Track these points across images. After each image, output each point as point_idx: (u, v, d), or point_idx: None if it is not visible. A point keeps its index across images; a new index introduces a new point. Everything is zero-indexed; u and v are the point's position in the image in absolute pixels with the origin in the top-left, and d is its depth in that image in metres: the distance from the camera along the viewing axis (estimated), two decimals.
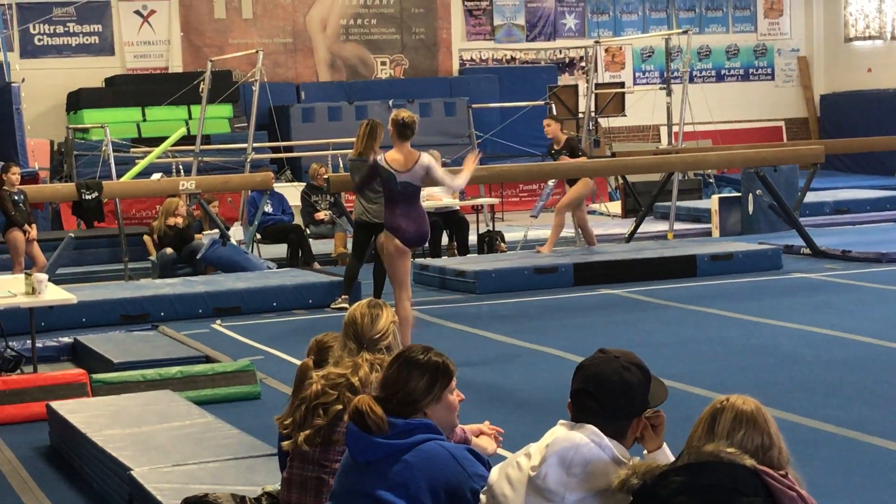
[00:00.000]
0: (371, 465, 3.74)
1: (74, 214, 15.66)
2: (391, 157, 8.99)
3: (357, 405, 3.76)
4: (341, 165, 17.35)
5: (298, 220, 15.55)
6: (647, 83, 24.29)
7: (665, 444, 3.54)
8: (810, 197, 16.65)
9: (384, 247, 9.11)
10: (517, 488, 3.43)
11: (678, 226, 16.68)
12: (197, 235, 14.47)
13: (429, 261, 13.68)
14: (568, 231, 16.34)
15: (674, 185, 16.48)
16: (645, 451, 3.53)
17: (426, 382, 3.78)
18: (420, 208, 9.11)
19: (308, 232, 15.14)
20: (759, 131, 24.96)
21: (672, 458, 3.45)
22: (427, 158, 9.05)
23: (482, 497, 3.59)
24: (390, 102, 21.45)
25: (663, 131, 21.41)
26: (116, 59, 21.81)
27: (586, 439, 3.38)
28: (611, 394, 3.43)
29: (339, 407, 4.26)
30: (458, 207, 15.39)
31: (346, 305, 11.39)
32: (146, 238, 14.39)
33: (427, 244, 15.27)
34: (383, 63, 23.44)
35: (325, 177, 14.67)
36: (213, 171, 17.62)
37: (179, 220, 14.10)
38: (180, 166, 17.67)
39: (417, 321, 9.56)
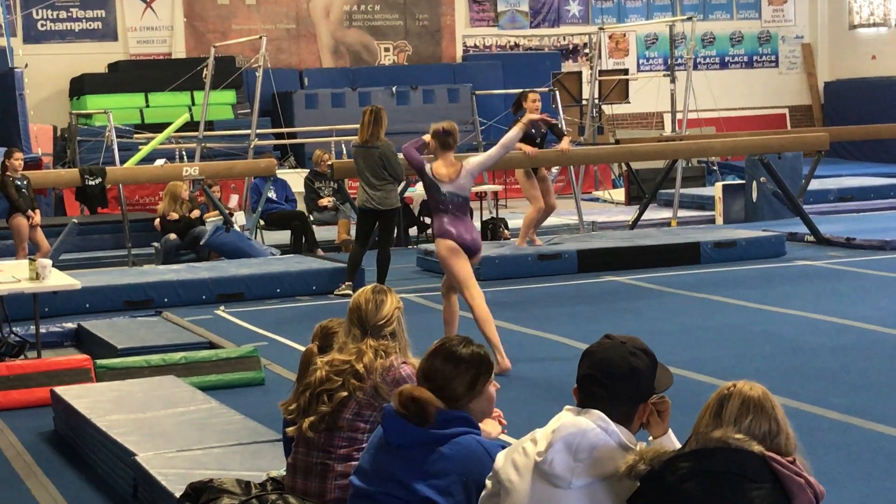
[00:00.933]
0: (403, 450, 3.76)
1: (78, 200, 15.65)
2: (436, 168, 8.40)
3: (413, 393, 3.77)
4: (345, 152, 17.33)
5: (302, 206, 15.55)
6: (651, 70, 24.26)
7: (670, 430, 3.53)
8: (814, 184, 16.63)
9: (437, 253, 8.53)
10: (523, 474, 3.43)
11: (682, 213, 16.67)
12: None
13: (432, 247, 13.64)
14: (571, 218, 16.35)
15: (677, 172, 16.47)
16: (650, 437, 3.53)
17: (472, 377, 3.83)
18: (469, 220, 8.45)
19: (311, 218, 15.14)
20: (763, 118, 24.93)
21: (677, 444, 3.44)
22: (468, 163, 8.46)
23: (487, 483, 3.59)
24: (394, 89, 21.45)
25: (667, 118, 21.40)
26: (119, 44, 21.79)
27: (593, 425, 3.38)
28: (618, 379, 3.43)
29: (345, 393, 4.26)
30: None
31: (350, 292, 11.39)
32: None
33: (431, 230, 15.31)
34: (387, 49, 23.42)
35: (329, 163, 14.68)
36: (216, 157, 17.62)
37: (197, 213, 14.12)
38: (183, 152, 17.67)
39: (420, 308, 9.57)
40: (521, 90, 13.02)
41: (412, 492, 3.71)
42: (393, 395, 3.88)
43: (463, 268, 8.24)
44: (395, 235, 12.45)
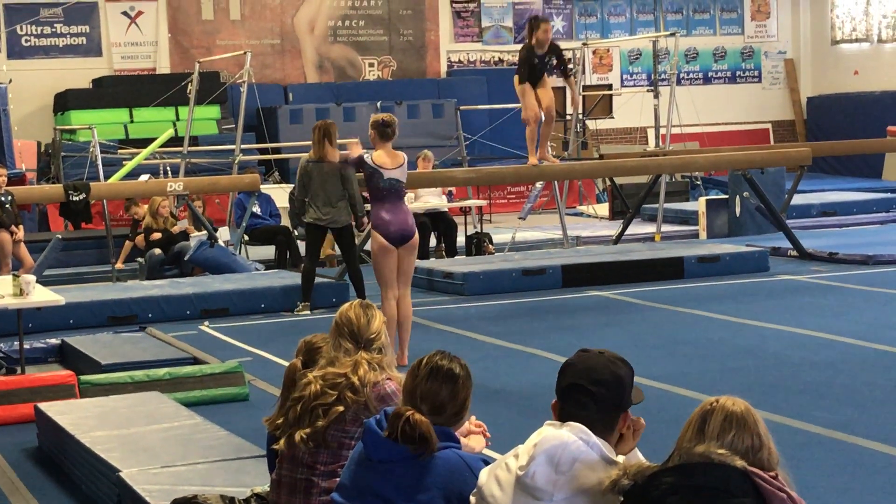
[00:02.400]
0: (384, 465, 3.75)
1: (62, 216, 15.63)
2: (377, 156, 9.15)
3: (412, 417, 3.73)
4: None
5: (286, 221, 15.54)
6: (635, 85, 24.34)
7: (636, 448, 3.55)
8: (797, 199, 16.68)
9: (371, 245, 9.23)
10: (505, 489, 3.44)
11: (665, 228, 16.71)
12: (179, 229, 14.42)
13: (417, 262, 13.65)
14: (555, 233, 16.38)
15: (661, 187, 16.51)
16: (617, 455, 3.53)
17: (465, 396, 3.84)
18: (405, 206, 9.26)
19: (296, 234, 15.13)
20: (746, 133, 25.02)
21: (644, 460, 3.47)
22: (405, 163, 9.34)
23: (472, 499, 3.59)
24: (378, 104, 21.48)
25: (651, 133, 21.45)
26: (104, 59, 21.78)
27: (574, 437, 3.39)
28: (604, 386, 3.44)
29: (341, 408, 4.24)
30: (446, 209, 15.41)
31: (308, 312, 11.40)
32: (128, 243, 14.34)
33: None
34: (371, 64, 23.45)
35: None
36: (200, 172, 17.60)
37: (178, 228, 14.10)
38: (168, 168, 17.65)
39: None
40: (533, 17, 12.91)
41: None
42: (391, 418, 3.79)
43: (387, 267, 9.11)
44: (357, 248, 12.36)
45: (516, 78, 12.74)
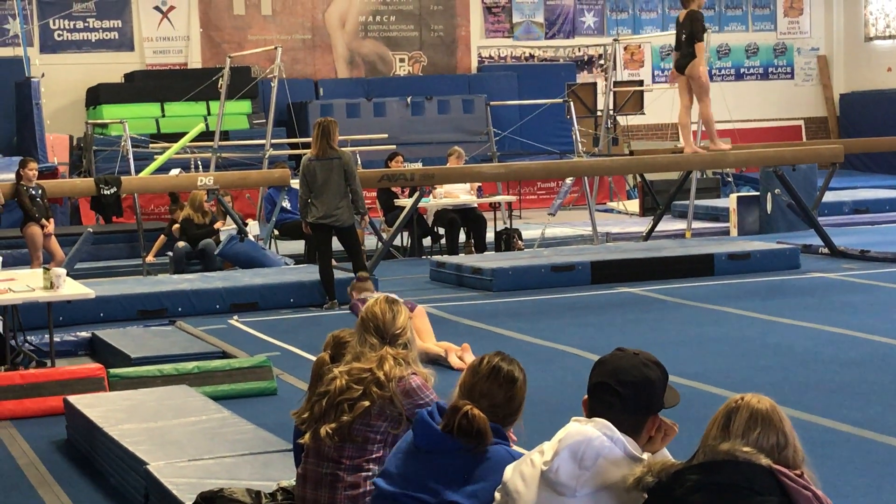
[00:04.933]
0: (433, 456, 3.76)
1: (93, 209, 15.69)
2: None
3: (471, 412, 3.76)
4: (360, 162, 17.36)
5: None
6: (666, 81, 24.22)
7: (665, 449, 3.54)
8: (829, 196, 16.60)
9: None
10: (529, 484, 3.44)
11: (696, 224, 16.65)
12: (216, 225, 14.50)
13: (446, 258, 13.68)
14: (585, 229, 16.35)
15: (692, 183, 16.45)
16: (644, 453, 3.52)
17: (524, 396, 3.92)
18: None
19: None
20: (778, 130, 24.89)
21: (669, 458, 3.45)
22: None
23: (496, 495, 3.59)
24: (409, 99, 21.48)
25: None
26: (136, 54, 21.86)
27: (598, 433, 3.39)
28: (631, 388, 3.43)
29: (367, 403, 4.25)
30: (475, 205, 15.40)
31: (336, 310, 11.42)
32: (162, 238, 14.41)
33: (444, 241, 15.32)
34: (402, 60, 23.45)
35: None
36: (231, 167, 17.66)
37: (220, 224, 14.20)
38: (199, 162, 17.72)
39: (434, 318, 9.57)
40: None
41: (440, 498, 3.72)
42: (448, 411, 3.82)
43: None
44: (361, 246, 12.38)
45: (699, 47, 13.05)
